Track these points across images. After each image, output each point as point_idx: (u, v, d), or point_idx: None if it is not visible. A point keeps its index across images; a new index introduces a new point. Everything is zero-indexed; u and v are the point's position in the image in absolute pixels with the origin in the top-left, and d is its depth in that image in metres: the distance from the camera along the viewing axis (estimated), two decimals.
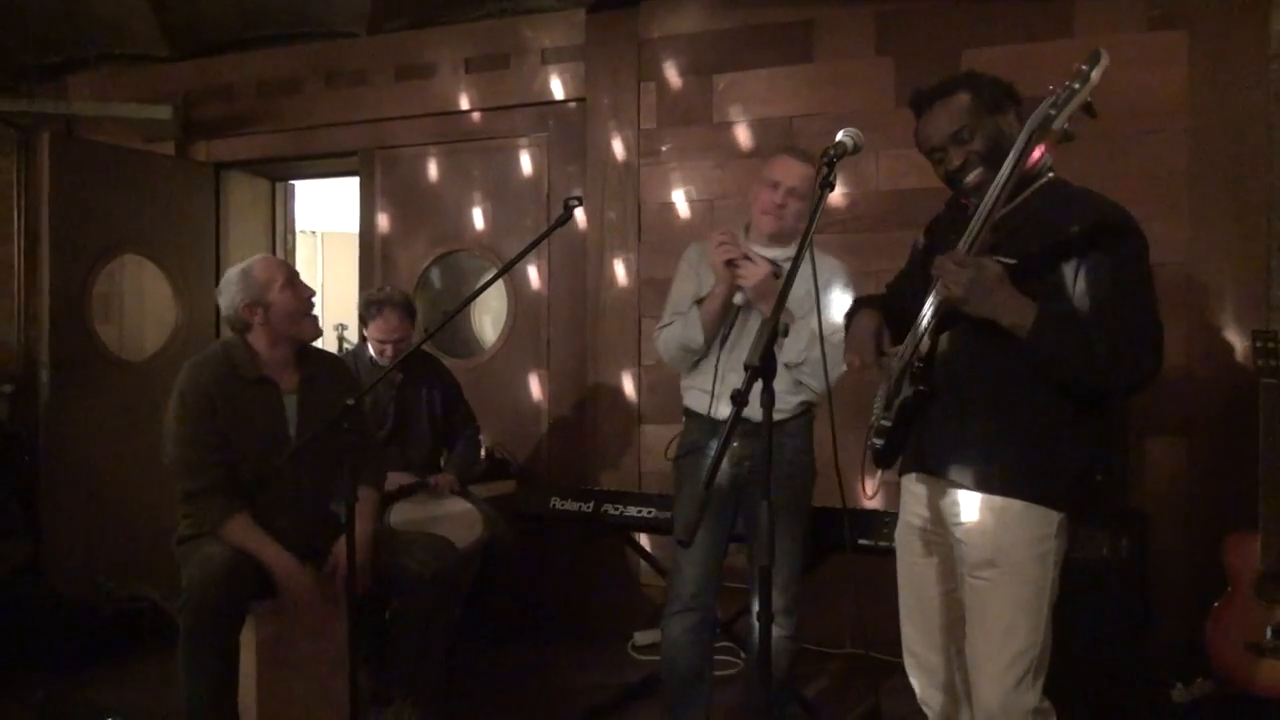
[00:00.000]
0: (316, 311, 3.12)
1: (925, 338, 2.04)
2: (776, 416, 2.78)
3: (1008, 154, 1.94)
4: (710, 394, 2.85)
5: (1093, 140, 3.73)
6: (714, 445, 2.85)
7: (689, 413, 3.01)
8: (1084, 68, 1.80)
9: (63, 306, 4.75)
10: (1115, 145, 3.72)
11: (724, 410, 2.83)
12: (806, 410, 2.93)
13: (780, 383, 2.80)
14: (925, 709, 2.29)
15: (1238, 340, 3.61)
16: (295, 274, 3.04)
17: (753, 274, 2.78)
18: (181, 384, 2.93)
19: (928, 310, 2.03)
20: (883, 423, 2.19)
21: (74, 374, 4.76)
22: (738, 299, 2.83)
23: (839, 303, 2.82)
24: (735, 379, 2.80)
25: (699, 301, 2.90)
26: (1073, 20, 3.84)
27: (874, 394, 2.26)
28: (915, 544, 2.23)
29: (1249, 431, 3.17)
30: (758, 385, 1.63)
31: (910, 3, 4.07)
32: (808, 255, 1.81)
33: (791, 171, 2.87)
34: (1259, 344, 3.17)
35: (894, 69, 4.07)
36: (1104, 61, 1.80)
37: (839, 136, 1.99)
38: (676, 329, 2.93)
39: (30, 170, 5.16)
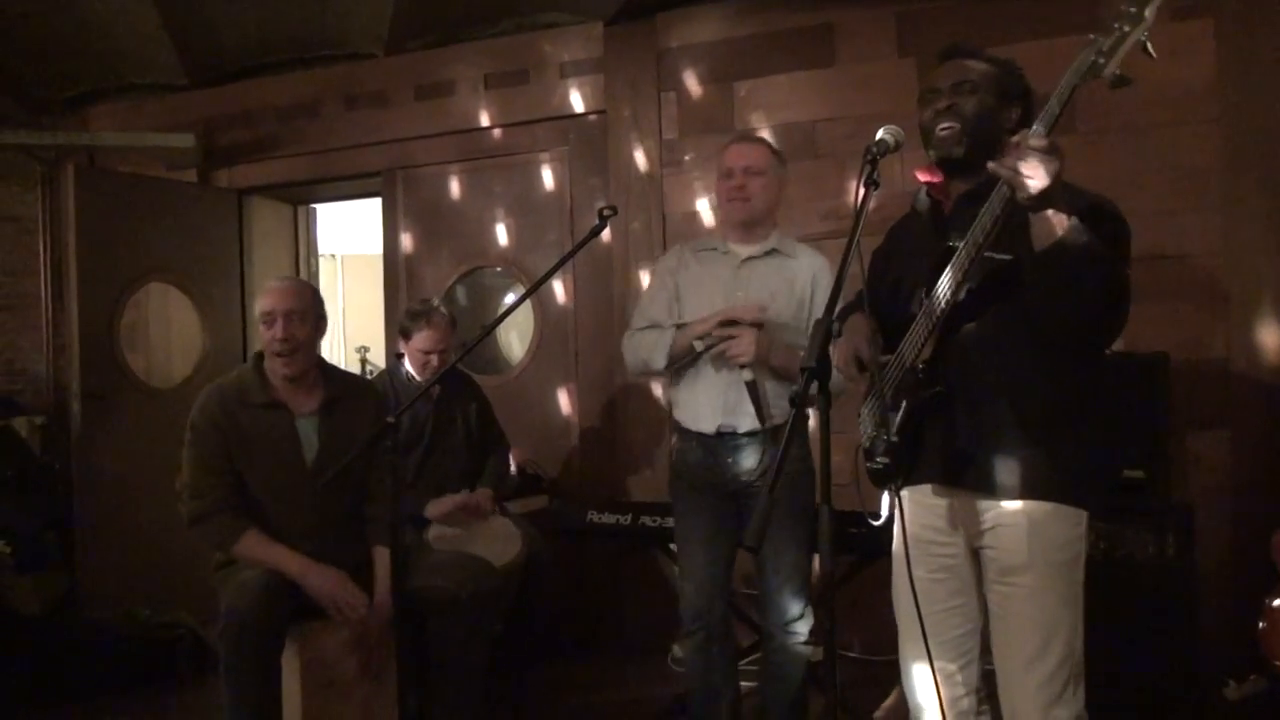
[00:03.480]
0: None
1: (928, 343, 1.96)
2: (776, 422, 2.82)
3: (987, 137, 1.97)
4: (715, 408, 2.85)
5: (1121, 134, 3.72)
6: (703, 458, 2.88)
7: (683, 430, 2.96)
8: (1132, 9, 1.65)
9: (91, 337, 4.78)
10: (1144, 138, 3.68)
11: (707, 423, 2.85)
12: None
13: (774, 389, 2.81)
14: None
15: (1277, 329, 3.55)
16: (279, 312, 2.93)
17: (745, 345, 2.72)
18: (193, 409, 2.98)
19: (942, 303, 1.91)
20: (885, 439, 2.06)
21: (104, 403, 4.79)
22: (745, 375, 2.74)
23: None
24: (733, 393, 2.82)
25: (679, 326, 2.88)
26: (1096, 14, 3.80)
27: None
28: (921, 559, 2.04)
29: None
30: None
31: (931, 2, 4.05)
32: (856, 256, 1.77)
33: (741, 154, 2.89)
34: None
35: (916, 70, 4.01)
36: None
37: (880, 134, 1.97)
38: (649, 338, 2.91)
39: (55, 202, 5.20)
